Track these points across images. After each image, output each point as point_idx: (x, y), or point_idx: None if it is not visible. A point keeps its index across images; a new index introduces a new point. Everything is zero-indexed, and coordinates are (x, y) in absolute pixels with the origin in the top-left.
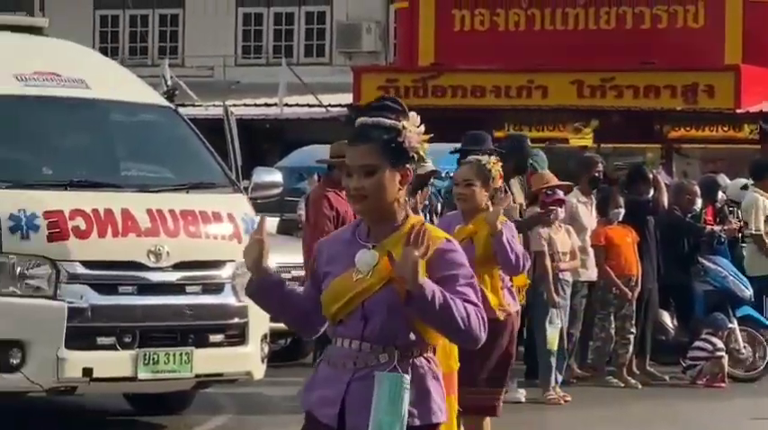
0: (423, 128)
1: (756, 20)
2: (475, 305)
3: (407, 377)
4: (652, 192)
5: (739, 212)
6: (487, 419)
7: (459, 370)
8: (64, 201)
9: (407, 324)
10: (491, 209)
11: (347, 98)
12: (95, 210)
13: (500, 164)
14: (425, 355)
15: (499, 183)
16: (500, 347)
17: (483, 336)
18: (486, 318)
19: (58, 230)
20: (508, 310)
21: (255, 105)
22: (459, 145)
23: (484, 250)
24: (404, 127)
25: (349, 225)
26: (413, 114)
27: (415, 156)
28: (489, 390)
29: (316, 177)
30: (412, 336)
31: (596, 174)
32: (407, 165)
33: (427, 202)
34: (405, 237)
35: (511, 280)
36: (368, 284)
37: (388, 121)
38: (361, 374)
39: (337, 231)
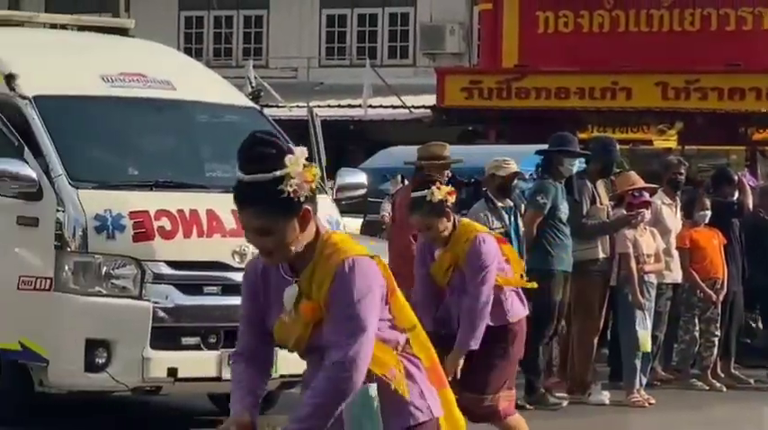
0: (304, 160)
1: None
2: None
3: (374, 386)
4: (737, 194)
5: None
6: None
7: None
8: (149, 201)
9: None
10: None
11: (431, 100)
12: (180, 211)
13: (443, 190)
14: (401, 354)
15: (452, 200)
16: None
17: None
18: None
19: (143, 230)
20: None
21: (339, 106)
22: (543, 146)
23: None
24: (287, 175)
25: None
26: (294, 153)
27: (309, 195)
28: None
29: (399, 178)
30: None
31: (678, 176)
32: (305, 207)
33: (512, 204)
34: (321, 260)
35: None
36: (299, 334)
37: (267, 176)
38: None
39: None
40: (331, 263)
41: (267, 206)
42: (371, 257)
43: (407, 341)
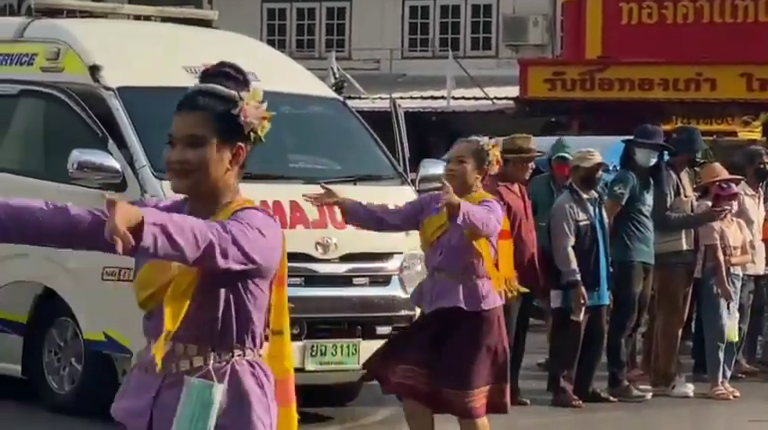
0: (265, 104)
1: None
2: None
3: (220, 386)
4: None
5: None
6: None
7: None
8: None
9: (225, 318)
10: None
11: (514, 91)
12: (264, 202)
13: (498, 150)
14: (250, 360)
15: (495, 169)
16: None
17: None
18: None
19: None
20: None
21: (422, 98)
22: (628, 137)
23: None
24: (241, 98)
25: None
26: (255, 86)
27: (252, 134)
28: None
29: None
30: (232, 335)
31: (762, 166)
32: (240, 143)
33: (597, 195)
34: (222, 214)
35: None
36: (172, 275)
37: (222, 90)
38: (172, 381)
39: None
40: (229, 210)
41: (211, 117)
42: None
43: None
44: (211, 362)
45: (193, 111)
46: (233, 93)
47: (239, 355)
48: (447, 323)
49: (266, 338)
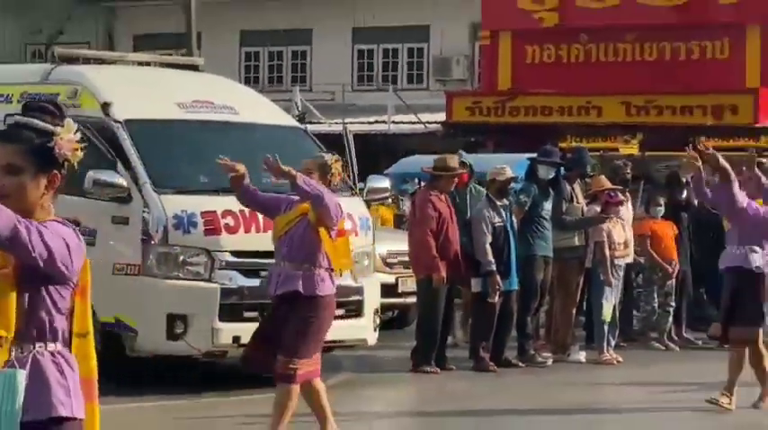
0: (78, 135)
1: None
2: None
3: (23, 372)
4: (685, 193)
5: None
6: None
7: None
8: (217, 203)
9: (31, 318)
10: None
11: (441, 117)
12: (242, 211)
13: (340, 163)
14: (53, 350)
15: (337, 180)
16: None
17: None
18: None
19: (212, 227)
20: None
21: (368, 123)
22: (533, 155)
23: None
24: (56, 133)
25: None
26: (69, 121)
27: (66, 163)
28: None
29: (416, 181)
30: (34, 332)
31: (625, 175)
32: (55, 171)
33: (508, 203)
34: None
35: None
36: None
37: (39, 124)
38: None
39: None
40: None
41: (27, 149)
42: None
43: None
44: (14, 352)
45: (11, 142)
46: (49, 127)
47: (41, 347)
48: (289, 305)
49: (71, 340)
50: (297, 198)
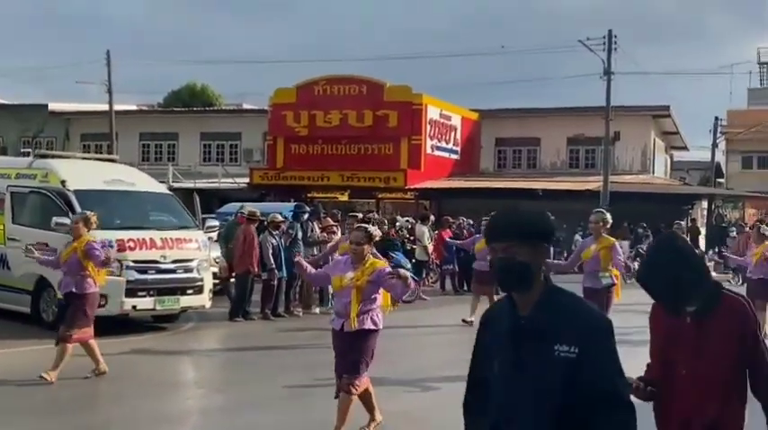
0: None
1: (415, 154)
2: None
3: None
4: None
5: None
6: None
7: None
8: (125, 235)
9: None
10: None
11: (246, 180)
12: (140, 238)
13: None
14: None
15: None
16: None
17: None
18: None
19: (122, 247)
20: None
21: (208, 183)
22: (296, 202)
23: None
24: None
25: None
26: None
27: None
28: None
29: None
30: None
31: (337, 215)
32: None
33: (280, 232)
34: None
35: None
36: None
37: None
38: None
39: None
40: None
41: None
42: None
43: None
44: None
45: None
46: None
47: None
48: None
49: None
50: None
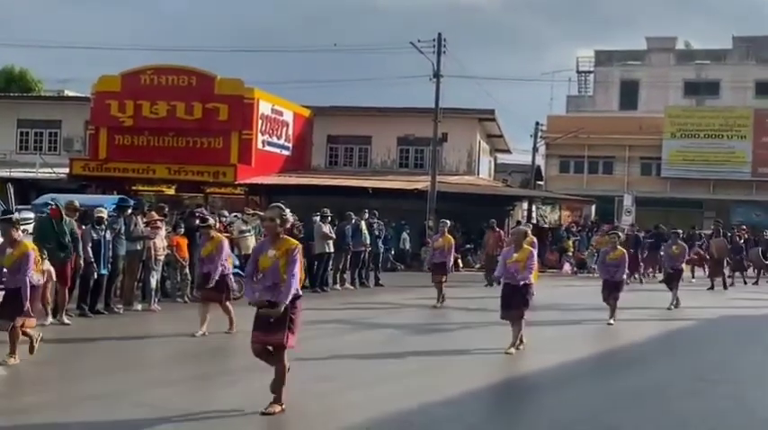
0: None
1: (245, 149)
2: None
3: None
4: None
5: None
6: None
7: None
8: None
9: None
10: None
11: (67, 170)
12: None
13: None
14: None
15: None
16: None
17: None
18: None
19: None
20: None
21: (27, 173)
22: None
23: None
24: None
25: None
26: None
27: None
28: None
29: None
30: None
31: (164, 209)
32: None
33: (104, 226)
34: None
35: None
36: None
37: None
38: None
39: None
40: None
41: None
42: None
43: None
44: None
45: None
46: None
47: None
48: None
49: None
50: None
